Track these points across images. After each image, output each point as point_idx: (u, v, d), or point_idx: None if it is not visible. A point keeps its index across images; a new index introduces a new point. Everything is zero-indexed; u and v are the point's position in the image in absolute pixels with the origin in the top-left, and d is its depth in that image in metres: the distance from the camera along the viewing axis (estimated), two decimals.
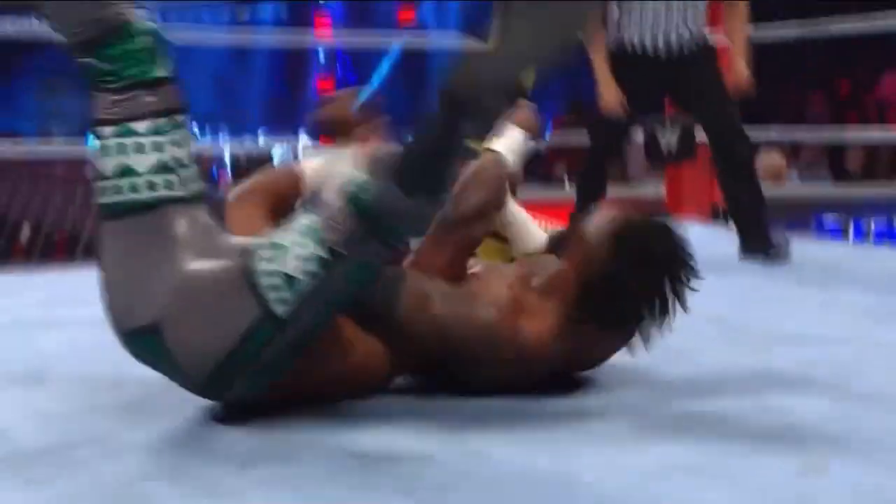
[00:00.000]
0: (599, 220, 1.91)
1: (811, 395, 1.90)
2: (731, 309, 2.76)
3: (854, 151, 7.38)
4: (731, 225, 3.94)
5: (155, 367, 1.71)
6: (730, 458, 1.54)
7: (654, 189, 5.12)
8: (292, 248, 1.61)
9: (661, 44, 3.69)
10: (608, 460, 1.55)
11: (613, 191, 4.07)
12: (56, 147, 7.89)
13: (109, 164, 1.64)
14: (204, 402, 1.77)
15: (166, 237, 1.63)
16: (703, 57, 3.72)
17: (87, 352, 2.28)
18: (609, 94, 3.76)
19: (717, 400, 1.89)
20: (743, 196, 3.79)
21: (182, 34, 5.62)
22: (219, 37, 13.84)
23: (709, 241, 4.05)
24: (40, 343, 2.46)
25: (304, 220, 1.63)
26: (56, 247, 7.56)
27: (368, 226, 1.61)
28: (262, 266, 1.60)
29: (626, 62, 3.75)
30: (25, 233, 7.95)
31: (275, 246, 1.62)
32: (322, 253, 1.60)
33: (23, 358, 2.29)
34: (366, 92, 2.27)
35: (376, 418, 1.76)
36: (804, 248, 3.90)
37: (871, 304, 2.85)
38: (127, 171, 1.63)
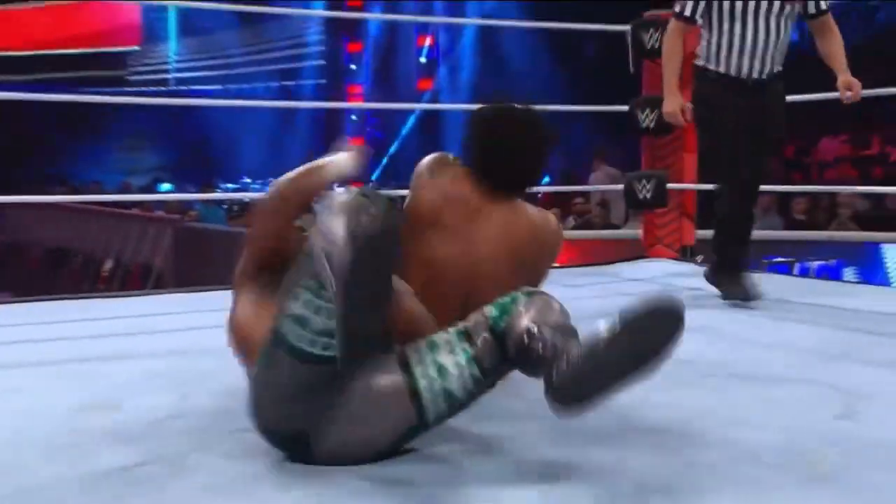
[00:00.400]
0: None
1: (768, 431, 1.90)
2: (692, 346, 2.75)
3: (798, 202, 7.42)
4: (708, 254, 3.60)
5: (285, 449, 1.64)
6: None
7: (633, 232, 5.12)
8: (452, 369, 1.59)
9: (755, 73, 3.25)
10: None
11: (598, 234, 4.04)
12: (133, 196, 8.06)
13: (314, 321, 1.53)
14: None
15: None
16: (779, 82, 3.32)
17: (158, 380, 2.28)
18: (672, 104, 3.33)
19: (666, 436, 1.88)
20: (741, 217, 3.34)
21: (237, 101, 5.70)
22: (269, 102, 13.96)
23: (677, 275, 4.07)
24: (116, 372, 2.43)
25: (455, 340, 1.62)
26: (133, 277, 7.59)
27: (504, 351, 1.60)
28: (426, 384, 1.58)
29: (717, 83, 3.27)
30: (108, 265, 8.00)
31: (437, 365, 1.59)
32: (478, 374, 1.59)
33: (101, 386, 2.24)
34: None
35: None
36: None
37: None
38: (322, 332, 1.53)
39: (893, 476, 1.56)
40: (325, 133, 16.32)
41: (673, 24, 3.33)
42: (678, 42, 3.35)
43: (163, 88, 15.94)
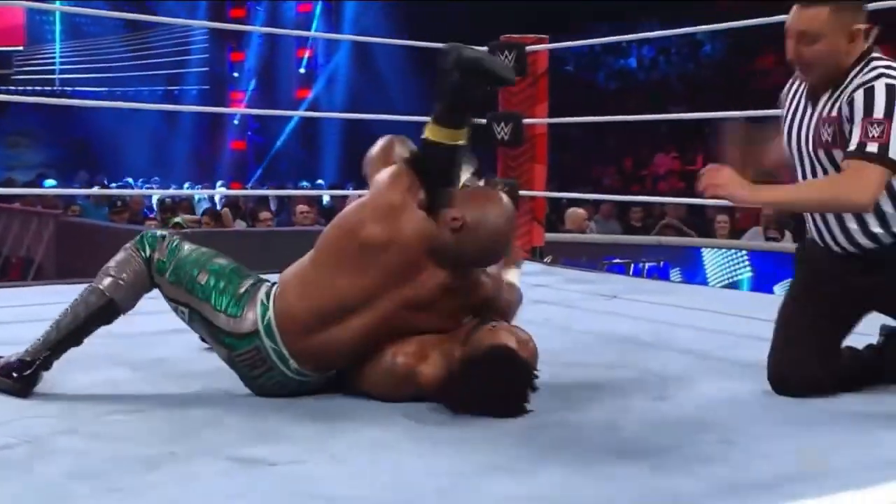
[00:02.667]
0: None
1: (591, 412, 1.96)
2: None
3: (635, 210, 7.73)
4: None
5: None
6: None
7: None
8: None
9: None
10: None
11: None
12: (16, 189, 7.70)
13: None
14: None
15: None
16: None
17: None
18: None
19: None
20: None
21: (123, 103, 5.50)
22: (153, 105, 13.51)
23: (527, 274, 4.16)
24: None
25: None
26: (12, 269, 7.20)
27: None
28: None
29: None
30: None
31: None
32: None
33: None
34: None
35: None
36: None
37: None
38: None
39: (700, 447, 1.65)
40: (208, 136, 15.93)
41: (872, 172, 1.83)
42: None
43: (48, 88, 15.19)
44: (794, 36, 1.91)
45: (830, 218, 1.95)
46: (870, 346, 2.07)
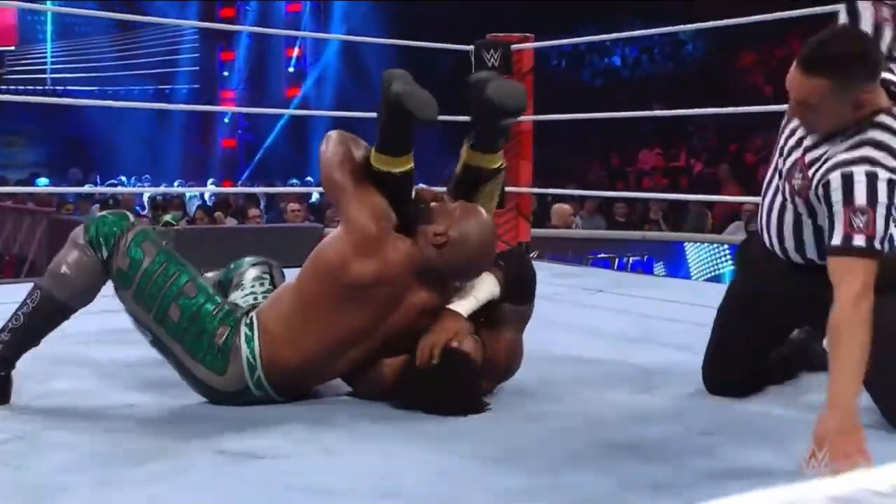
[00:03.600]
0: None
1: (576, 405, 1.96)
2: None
3: (619, 206, 7.75)
4: None
5: None
6: None
7: None
8: None
9: None
10: None
11: None
12: (9, 188, 7.63)
13: None
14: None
15: None
16: None
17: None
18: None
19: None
20: None
21: (115, 102, 5.48)
22: (145, 104, 13.47)
23: None
24: None
25: None
26: (6, 267, 7.16)
27: None
28: None
29: None
30: None
31: None
32: None
33: None
34: None
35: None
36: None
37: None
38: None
39: (681, 442, 1.66)
40: (199, 135, 15.87)
41: (862, 267, 1.62)
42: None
43: (39, 88, 15.10)
44: (794, 100, 1.70)
45: (787, 230, 1.82)
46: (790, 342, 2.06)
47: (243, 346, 1.76)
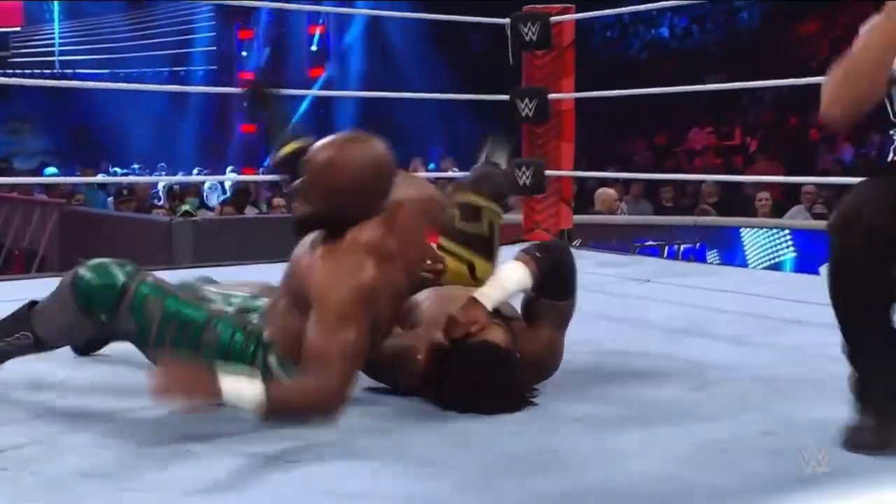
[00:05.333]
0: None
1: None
2: None
3: (666, 189, 7.69)
4: None
5: None
6: None
7: (513, 217, 5.21)
8: None
9: None
10: None
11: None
12: (17, 178, 7.71)
13: None
14: None
15: None
16: None
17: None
18: None
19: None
20: None
21: (127, 85, 5.54)
22: (159, 87, 13.58)
23: None
24: None
25: None
26: (15, 262, 7.28)
27: None
28: None
29: None
30: None
31: None
32: None
33: None
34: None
35: None
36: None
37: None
38: None
39: (740, 442, 1.65)
40: (217, 119, 15.98)
41: None
42: None
43: (47, 71, 15.29)
44: None
45: None
46: None
47: (276, 370, 1.76)
